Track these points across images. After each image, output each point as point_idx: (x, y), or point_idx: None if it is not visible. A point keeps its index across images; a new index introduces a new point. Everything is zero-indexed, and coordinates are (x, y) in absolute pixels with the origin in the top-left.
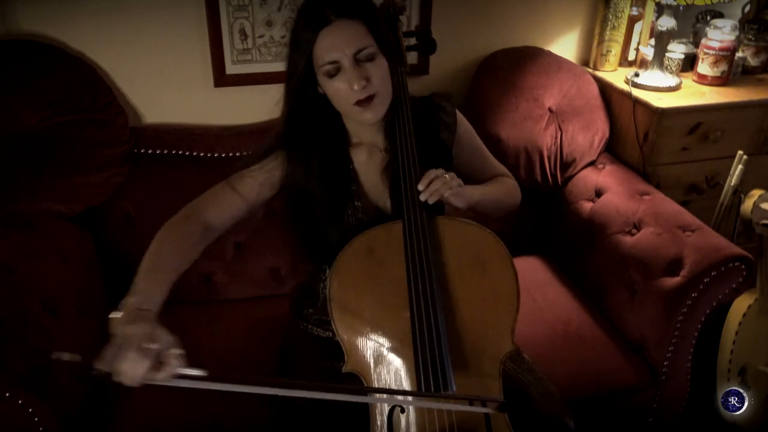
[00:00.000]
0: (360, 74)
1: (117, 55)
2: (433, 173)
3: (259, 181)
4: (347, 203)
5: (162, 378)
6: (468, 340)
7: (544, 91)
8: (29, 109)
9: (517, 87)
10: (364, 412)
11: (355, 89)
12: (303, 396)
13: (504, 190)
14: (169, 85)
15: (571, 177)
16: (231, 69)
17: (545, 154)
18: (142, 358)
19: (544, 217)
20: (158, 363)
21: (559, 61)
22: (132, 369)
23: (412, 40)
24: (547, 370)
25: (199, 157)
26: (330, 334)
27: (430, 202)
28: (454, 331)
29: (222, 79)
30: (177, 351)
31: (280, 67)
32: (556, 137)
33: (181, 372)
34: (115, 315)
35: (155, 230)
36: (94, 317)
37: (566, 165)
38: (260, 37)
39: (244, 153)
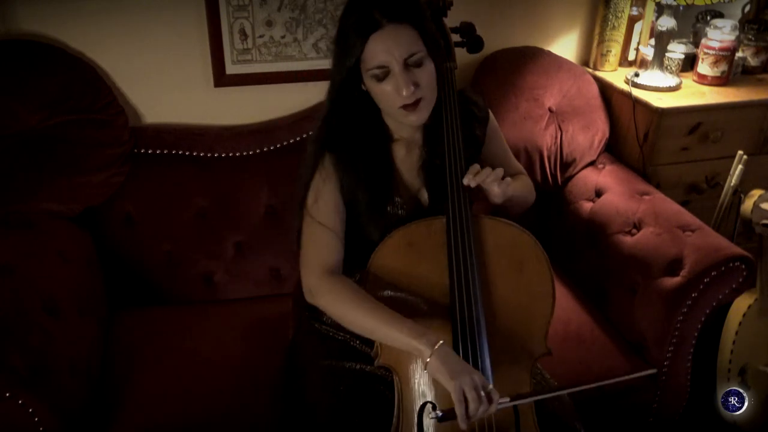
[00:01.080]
0: (409, 80)
1: (117, 55)
2: (477, 166)
3: (333, 204)
4: (388, 199)
5: (491, 412)
6: (504, 338)
7: (544, 91)
8: (29, 109)
9: (517, 87)
10: (389, 411)
11: (404, 95)
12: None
13: (526, 188)
14: (169, 85)
15: (571, 177)
16: (231, 69)
17: (545, 154)
18: (482, 405)
19: (544, 217)
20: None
21: (559, 61)
22: (476, 416)
23: (457, 37)
24: (548, 370)
25: (199, 157)
26: (348, 336)
27: (473, 185)
28: (491, 328)
29: (222, 79)
30: (492, 386)
31: (280, 67)
32: (556, 137)
33: (500, 402)
34: (428, 361)
35: (155, 230)
36: (94, 317)
37: (566, 165)
38: (260, 37)
39: (245, 153)
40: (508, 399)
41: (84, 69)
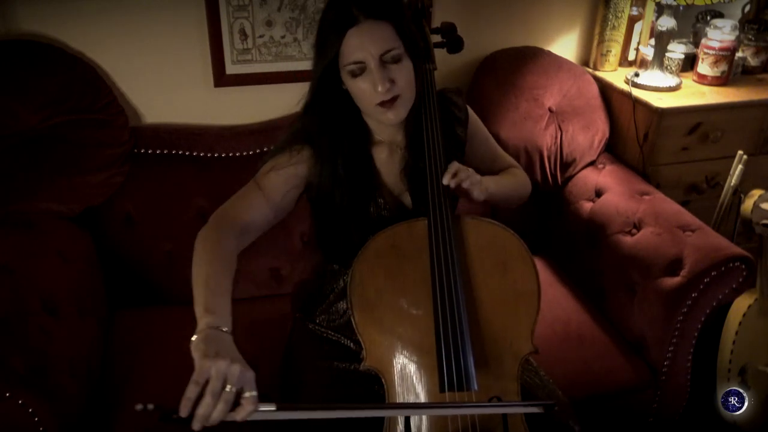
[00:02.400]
0: (385, 76)
1: (117, 55)
2: (456, 165)
3: (283, 179)
4: (371, 201)
5: (237, 419)
6: (488, 338)
7: (544, 91)
8: (29, 109)
9: (517, 87)
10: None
11: (379, 91)
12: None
13: (515, 181)
14: (169, 85)
15: (571, 177)
16: (231, 69)
17: (545, 154)
18: (220, 402)
19: (544, 217)
20: (235, 405)
21: (559, 61)
22: (208, 413)
23: (438, 37)
24: (548, 370)
25: (199, 157)
26: (339, 336)
27: (452, 186)
28: (475, 329)
29: (222, 79)
30: (252, 393)
31: (280, 67)
32: (556, 137)
33: (255, 410)
34: (193, 338)
35: (155, 230)
36: (94, 317)
37: (566, 165)
38: (260, 37)
39: (245, 153)
40: (274, 407)
41: (84, 69)
